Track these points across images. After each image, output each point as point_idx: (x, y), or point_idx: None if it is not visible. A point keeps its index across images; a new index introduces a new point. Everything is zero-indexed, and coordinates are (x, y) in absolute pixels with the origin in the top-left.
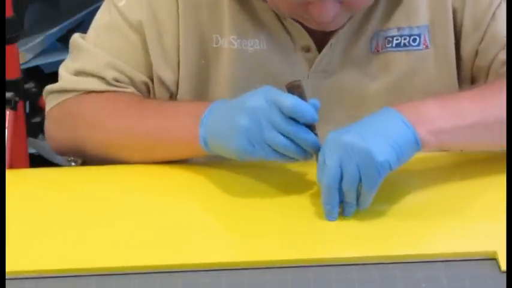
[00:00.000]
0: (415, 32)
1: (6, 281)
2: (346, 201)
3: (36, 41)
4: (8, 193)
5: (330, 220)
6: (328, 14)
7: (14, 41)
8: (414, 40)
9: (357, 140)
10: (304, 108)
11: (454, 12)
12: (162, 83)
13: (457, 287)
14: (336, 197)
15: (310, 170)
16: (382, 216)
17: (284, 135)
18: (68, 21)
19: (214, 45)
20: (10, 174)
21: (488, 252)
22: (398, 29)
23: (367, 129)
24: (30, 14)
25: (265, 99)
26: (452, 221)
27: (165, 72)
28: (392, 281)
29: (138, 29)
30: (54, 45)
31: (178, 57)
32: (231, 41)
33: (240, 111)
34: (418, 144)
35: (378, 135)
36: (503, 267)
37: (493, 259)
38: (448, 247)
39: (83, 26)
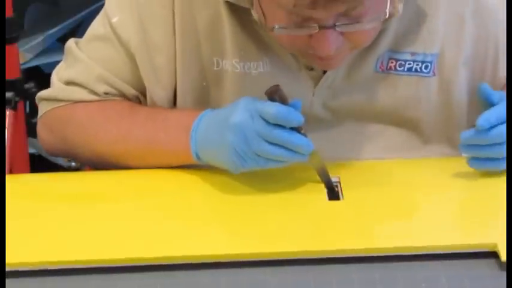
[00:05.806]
0: (428, 59)
1: (6, 280)
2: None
3: (36, 41)
4: (7, 199)
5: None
6: (330, 46)
7: (14, 41)
8: (426, 67)
9: None
10: (287, 113)
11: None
12: (154, 102)
13: (457, 287)
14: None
15: (310, 170)
16: (382, 210)
17: (272, 143)
18: (68, 21)
19: (215, 68)
20: (9, 180)
21: (488, 245)
22: (412, 54)
23: None
24: (30, 14)
25: (248, 112)
26: (453, 214)
27: (156, 92)
28: (393, 281)
29: (128, 48)
30: (54, 45)
31: (175, 78)
32: (233, 64)
33: (225, 128)
34: None
35: None
36: (503, 257)
37: (493, 258)
38: (448, 240)
39: (83, 26)
